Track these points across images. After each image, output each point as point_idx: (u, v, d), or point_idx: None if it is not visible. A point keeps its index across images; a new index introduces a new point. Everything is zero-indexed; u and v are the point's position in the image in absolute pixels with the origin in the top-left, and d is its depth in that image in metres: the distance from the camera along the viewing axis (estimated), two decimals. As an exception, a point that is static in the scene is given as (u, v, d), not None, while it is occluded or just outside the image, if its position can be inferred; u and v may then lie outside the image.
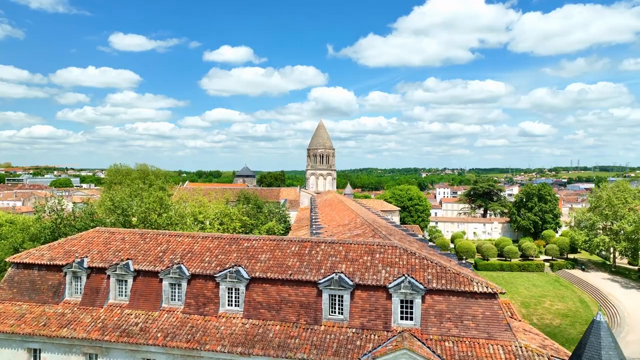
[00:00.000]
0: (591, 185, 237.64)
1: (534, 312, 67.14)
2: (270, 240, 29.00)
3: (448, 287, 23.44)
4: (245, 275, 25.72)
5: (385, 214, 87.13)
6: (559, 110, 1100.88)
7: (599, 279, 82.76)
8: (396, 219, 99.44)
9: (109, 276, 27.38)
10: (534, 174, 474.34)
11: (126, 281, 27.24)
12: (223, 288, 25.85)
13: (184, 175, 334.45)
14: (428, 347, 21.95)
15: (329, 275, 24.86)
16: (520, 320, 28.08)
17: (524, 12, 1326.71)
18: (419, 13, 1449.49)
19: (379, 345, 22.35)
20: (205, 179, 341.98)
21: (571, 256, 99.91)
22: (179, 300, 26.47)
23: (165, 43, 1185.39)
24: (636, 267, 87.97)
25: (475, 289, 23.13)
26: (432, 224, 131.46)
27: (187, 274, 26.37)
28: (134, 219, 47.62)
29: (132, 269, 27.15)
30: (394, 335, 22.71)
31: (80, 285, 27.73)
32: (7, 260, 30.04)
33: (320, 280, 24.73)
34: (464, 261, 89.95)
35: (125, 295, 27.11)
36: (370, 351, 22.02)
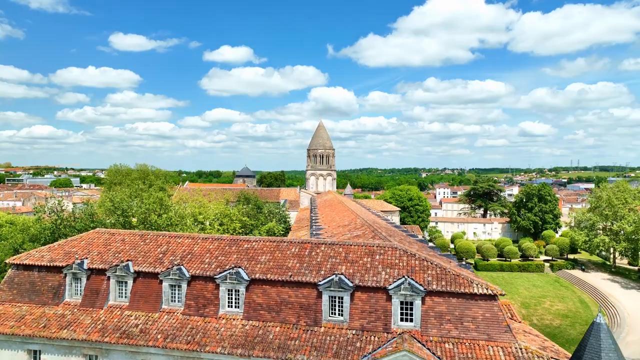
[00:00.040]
0: (591, 186, 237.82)
1: (534, 313, 67.16)
2: (270, 241, 29.00)
3: (448, 288, 23.43)
4: (245, 277, 25.72)
5: (385, 214, 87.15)
6: (559, 110, 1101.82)
7: (599, 280, 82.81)
8: (396, 219, 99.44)
9: (109, 277, 27.38)
10: (534, 174, 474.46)
11: (126, 282, 27.24)
12: (223, 289, 25.85)
13: (184, 175, 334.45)
14: (428, 349, 21.96)
15: (329, 276, 24.86)
16: (520, 322, 28.08)
17: (524, 12, 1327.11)
18: (419, 13, 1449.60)
19: (379, 347, 22.35)
20: (205, 179, 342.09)
21: (571, 256, 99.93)
22: (179, 301, 26.47)
23: (165, 43, 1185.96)
24: (636, 268, 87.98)
25: (475, 291, 23.13)
26: (432, 224, 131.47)
27: (187, 276, 26.37)
28: (134, 220, 47.63)
29: (132, 271, 27.15)
30: (394, 337, 22.71)
31: (80, 287, 27.73)
32: (7, 261, 30.04)
33: (320, 281, 24.74)
34: (463, 262, 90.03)
35: (125, 297, 27.11)
36: (370, 353, 22.03)
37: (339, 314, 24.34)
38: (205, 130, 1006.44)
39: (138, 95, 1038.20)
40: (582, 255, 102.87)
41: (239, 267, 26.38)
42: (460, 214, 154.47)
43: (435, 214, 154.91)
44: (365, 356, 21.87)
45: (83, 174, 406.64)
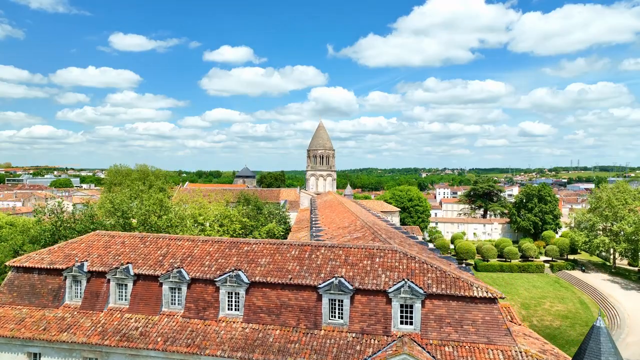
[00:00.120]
0: (591, 186, 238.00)
1: (534, 314, 67.15)
2: (270, 244, 29.00)
3: (448, 291, 23.43)
4: (245, 280, 25.72)
5: (385, 214, 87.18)
6: (559, 110, 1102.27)
7: (599, 280, 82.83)
8: (396, 219, 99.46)
9: (109, 280, 27.37)
10: (534, 174, 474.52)
11: (126, 285, 27.23)
12: (223, 292, 25.85)
13: (184, 175, 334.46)
14: (428, 352, 21.96)
15: (328, 279, 24.85)
16: (520, 324, 28.08)
17: (524, 12, 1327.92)
18: (419, 13, 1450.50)
19: (379, 350, 22.35)
20: (205, 179, 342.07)
21: (571, 257, 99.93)
22: (179, 304, 26.47)
23: (165, 43, 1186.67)
24: (636, 268, 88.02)
25: (475, 294, 23.12)
26: (432, 224, 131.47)
27: (187, 278, 26.36)
28: (134, 221, 47.64)
29: (132, 273, 27.15)
30: (394, 340, 22.71)
31: (80, 289, 27.73)
32: (7, 264, 30.05)
33: (320, 284, 24.73)
34: (463, 264, 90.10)
35: (125, 300, 27.11)
36: (370, 356, 22.03)
37: (339, 317, 24.34)
38: (205, 130, 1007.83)
39: (138, 95, 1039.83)
40: (582, 256, 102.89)
41: (239, 269, 26.38)
42: (460, 214, 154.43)
43: (435, 214, 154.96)
44: (365, 359, 21.88)
45: (83, 174, 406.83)
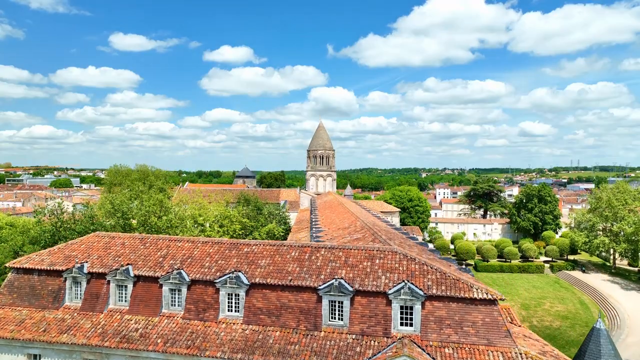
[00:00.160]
0: (591, 186, 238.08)
1: (534, 314, 67.17)
2: (270, 245, 29.00)
3: (448, 293, 23.43)
4: (245, 281, 25.72)
5: (385, 215, 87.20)
6: (559, 110, 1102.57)
7: (599, 281, 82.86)
8: (396, 220, 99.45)
9: (109, 281, 27.37)
10: (534, 174, 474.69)
11: (126, 286, 27.23)
12: (223, 294, 25.85)
13: (184, 175, 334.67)
14: (428, 354, 21.97)
15: (328, 281, 24.86)
16: (520, 326, 28.09)
17: (524, 12, 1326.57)
18: (419, 13, 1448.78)
19: (379, 352, 22.35)
20: (205, 179, 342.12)
21: (571, 257, 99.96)
22: (179, 305, 26.47)
23: (165, 43, 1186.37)
24: (636, 269, 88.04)
25: (475, 296, 23.12)
26: (432, 224, 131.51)
27: (187, 280, 26.36)
28: (134, 222, 47.64)
29: (132, 275, 27.15)
30: (394, 342, 22.72)
31: (80, 291, 27.74)
32: (7, 265, 30.05)
33: (320, 286, 24.74)
34: (463, 265, 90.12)
35: (125, 301, 27.11)
36: (370, 357, 22.03)
37: (338, 319, 24.34)
38: (205, 130, 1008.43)
39: (138, 95, 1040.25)
40: (582, 256, 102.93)
41: (239, 271, 26.38)
42: (460, 214, 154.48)
43: (435, 214, 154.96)
44: (365, 361, 21.87)
45: (83, 174, 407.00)
